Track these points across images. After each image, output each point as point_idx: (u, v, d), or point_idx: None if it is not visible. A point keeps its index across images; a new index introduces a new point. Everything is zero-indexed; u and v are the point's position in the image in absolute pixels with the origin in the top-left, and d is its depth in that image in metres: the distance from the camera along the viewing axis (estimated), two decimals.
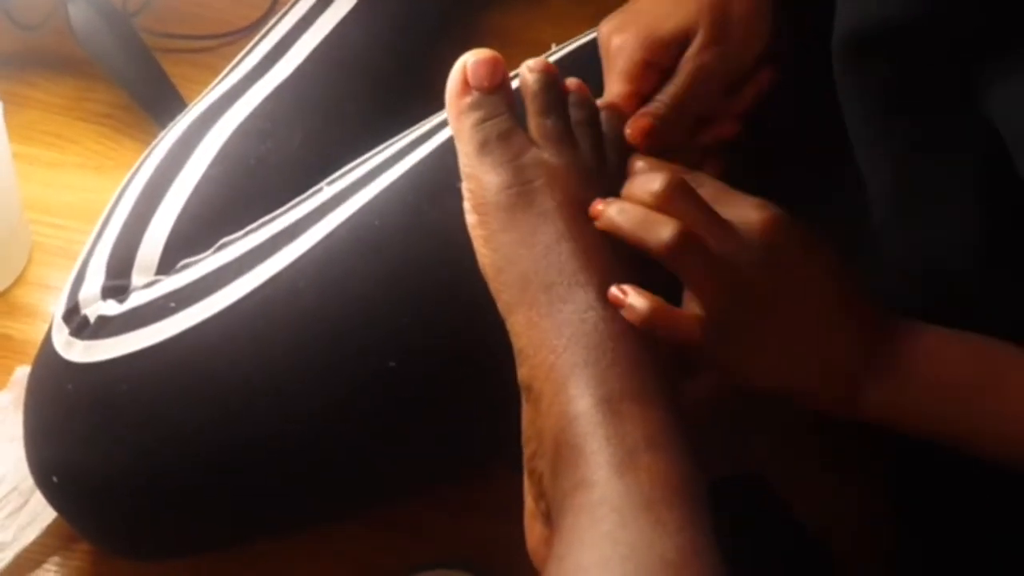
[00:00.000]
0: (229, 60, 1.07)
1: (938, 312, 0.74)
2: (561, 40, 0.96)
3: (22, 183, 1.05)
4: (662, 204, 0.69)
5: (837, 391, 0.71)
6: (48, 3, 1.19)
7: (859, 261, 0.80)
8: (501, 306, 0.70)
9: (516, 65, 0.92)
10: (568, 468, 0.61)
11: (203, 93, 1.03)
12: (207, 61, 1.21)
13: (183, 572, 0.92)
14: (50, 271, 1.07)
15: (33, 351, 0.88)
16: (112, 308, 0.85)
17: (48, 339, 0.86)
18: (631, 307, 0.66)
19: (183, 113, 1.01)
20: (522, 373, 0.68)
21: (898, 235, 0.77)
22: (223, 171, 0.94)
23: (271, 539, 0.92)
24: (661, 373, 0.66)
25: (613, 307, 0.66)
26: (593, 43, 0.88)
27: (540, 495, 0.65)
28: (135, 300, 0.85)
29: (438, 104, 0.76)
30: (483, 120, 0.72)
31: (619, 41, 0.81)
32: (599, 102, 0.78)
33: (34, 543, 0.91)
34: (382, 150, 0.88)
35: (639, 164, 0.74)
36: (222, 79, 1.04)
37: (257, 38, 1.07)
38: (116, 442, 0.81)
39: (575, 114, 0.75)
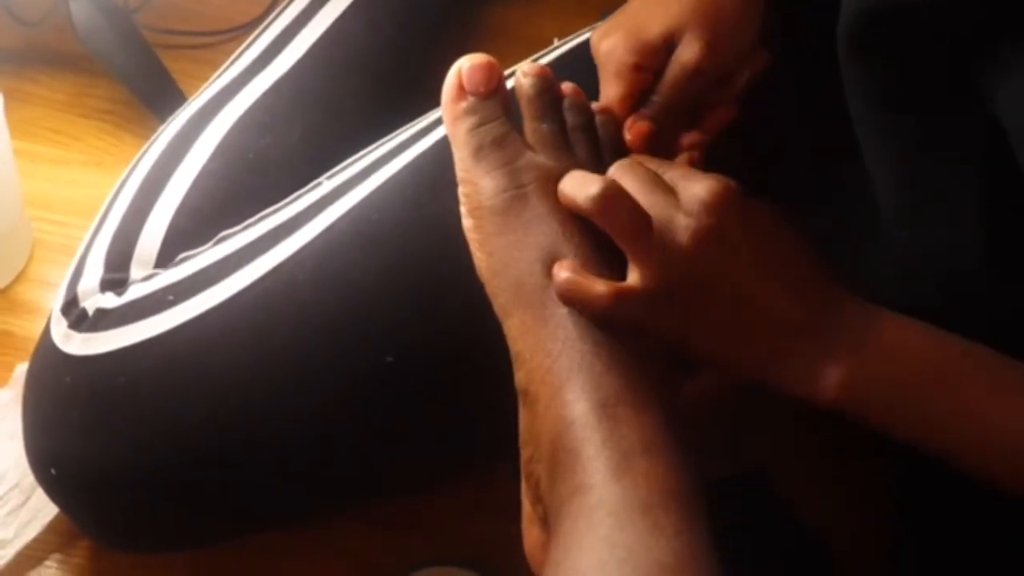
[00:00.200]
0: (230, 56, 1.07)
1: (941, 309, 0.73)
2: (562, 35, 0.96)
3: (23, 179, 1.05)
4: (612, 175, 0.70)
5: (787, 366, 0.69)
6: (49, 0, 1.19)
7: (865, 258, 0.80)
8: (497, 309, 0.70)
9: (517, 61, 0.92)
10: (565, 472, 0.61)
11: (202, 88, 1.03)
12: (208, 57, 1.21)
13: (182, 567, 0.92)
14: (51, 268, 1.07)
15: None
16: (111, 301, 0.85)
17: (47, 332, 0.86)
18: (554, 277, 0.66)
19: (182, 108, 1.01)
20: (519, 377, 0.68)
21: (901, 232, 0.77)
22: (222, 165, 0.94)
23: (270, 533, 0.92)
24: (658, 376, 0.66)
25: None
26: None
27: (537, 499, 0.65)
28: (134, 293, 0.85)
29: (437, 99, 0.76)
30: (478, 125, 0.72)
31: (608, 46, 0.81)
32: (594, 106, 0.78)
33: (35, 540, 0.91)
34: (381, 144, 0.89)
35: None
36: (221, 73, 1.04)
37: (256, 33, 1.07)
38: (114, 435, 0.81)
39: (571, 118, 0.76)
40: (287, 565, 0.93)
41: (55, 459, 0.83)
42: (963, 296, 0.74)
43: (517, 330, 0.68)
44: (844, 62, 0.73)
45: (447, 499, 0.95)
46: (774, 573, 0.83)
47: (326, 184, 0.87)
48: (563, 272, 0.66)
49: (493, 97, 0.73)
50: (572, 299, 0.66)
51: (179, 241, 0.89)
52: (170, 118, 1.01)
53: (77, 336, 0.83)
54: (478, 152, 0.71)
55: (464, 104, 0.73)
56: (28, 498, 0.91)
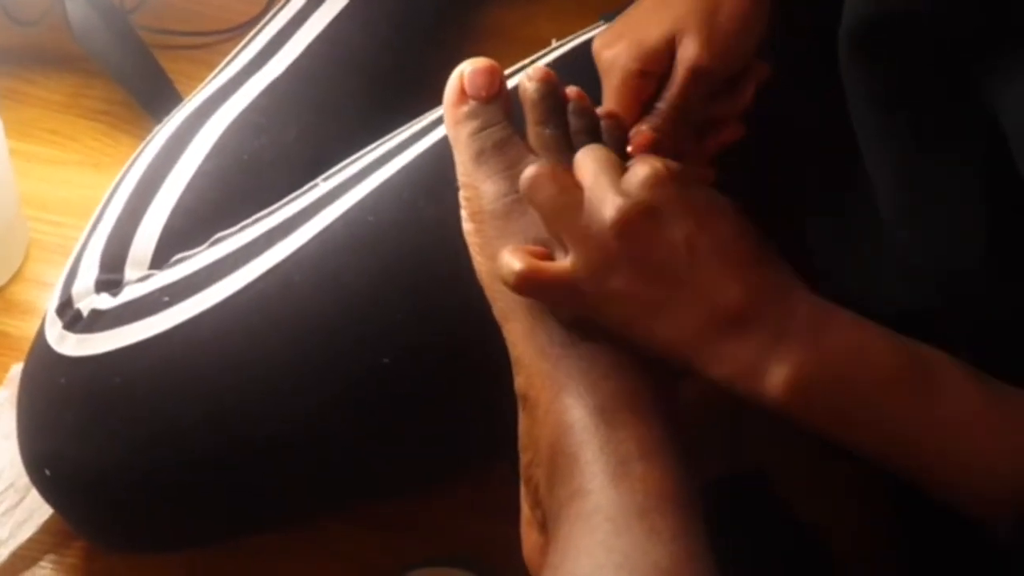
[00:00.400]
0: (226, 56, 1.07)
1: (942, 310, 0.73)
2: (560, 36, 0.96)
3: (20, 180, 1.05)
4: (575, 158, 0.69)
5: (729, 357, 0.65)
6: (46, 0, 1.19)
7: (865, 259, 0.80)
8: (497, 313, 0.69)
9: (514, 62, 0.92)
10: (563, 477, 0.61)
11: (198, 88, 1.03)
12: (204, 57, 1.21)
13: (178, 568, 0.92)
14: (47, 268, 1.07)
15: None
16: (106, 302, 0.85)
17: (41, 333, 0.86)
18: (505, 266, 0.65)
19: (178, 109, 1.01)
20: (518, 382, 0.68)
21: (902, 233, 0.77)
22: (217, 166, 0.94)
23: (266, 534, 0.91)
24: (656, 380, 0.66)
25: None
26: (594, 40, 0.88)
27: (536, 503, 0.65)
28: (129, 294, 0.85)
29: (434, 100, 0.76)
30: (480, 129, 0.72)
31: (611, 55, 0.80)
32: (599, 111, 0.78)
33: (30, 540, 0.91)
34: (378, 146, 0.89)
35: None
36: (217, 74, 1.04)
37: (252, 33, 1.07)
38: (109, 436, 0.81)
39: (574, 123, 0.75)
40: (283, 566, 0.93)
41: (50, 460, 0.83)
42: (963, 297, 0.74)
43: (517, 335, 0.68)
44: (845, 65, 0.73)
45: (444, 500, 0.95)
46: (773, 573, 0.82)
47: (322, 186, 0.87)
48: (515, 259, 0.65)
49: (495, 101, 0.73)
50: (531, 283, 0.65)
51: (174, 242, 0.89)
52: (166, 119, 1.00)
53: (72, 337, 0.83)
54: (479, 156, 0.71)
55: (466, 108, 0.73)
56: (23, 498, 0.91)
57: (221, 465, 0.81)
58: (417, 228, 0.81)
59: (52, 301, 0.87)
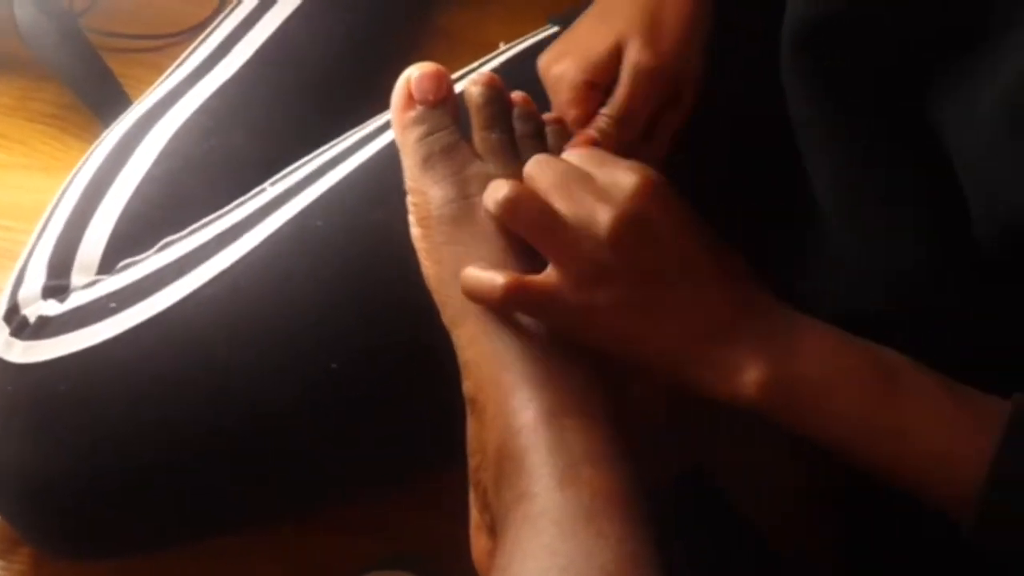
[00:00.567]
0: (176, 59, 1.06)
1: (889, 315, 0.74)
2: (510, 39, 0.96)
3: None
4: (528, 173, 0.69)
5: (708, 365, 0.66)
6: None
7: (814, 263, 0.80)
8: (445, 318, 0.70)
9: (464, 65, 0.92)
10: (511, 481, 0.61)
11: (147, 92, 1.02)
12: (155, 61, 1.20)
13: (134, 571, 0.91)
14: None
15: None
16: (52, 308, 0.84)
17: None
18: (489, 284, 0.65)
19: (127, 112, 1.00)
20: (467, 386, 0.68)
21: (844, 237, 0.77)
22: (166, 170, 0.94)
23: (218, 537, 0.91)
24: (606, 384, 0.66)
25: None
26: (542, 43, 0.88)
27: (485, 507, 0.65)
28: (76, 300, 0.84)
29: (384, 104, 0.76)
30: (427, 134, 0.72)
31: (558, 69, 0.81)
32: (545, 116, 0.78)
33: None
34: (326, 150, 0.88)
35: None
36: (166, 78, 1.03)
37: (202, 37, 1.07)
38: (56, 443, 0.80)
39: (520, 127, 0.76)
40: (244, 567, 0.93)
41: None
42: (908, 299, 0.75)
43: (466, 339, 0.68)
44: (787, 67, 0.74)
45: (403, 501, 0.95)
46: (724, 573, 0.83)
47: (270, 190, 0.86)
48: (468, 269, 0.66)
49: (442, 106, 0.73)
50: (473, 294, 0.66)
51: (122, 247, 0.89)
52: (115, 122, 1.00)
53: (19, 344, 0.82)
54: (427, 161, 0.71)
55: (413, 113, 0.73)
56: None
57: (170, 470, 0.81)
58: (365, 233, 0.81)
59: None
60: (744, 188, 0.86)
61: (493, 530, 0.63)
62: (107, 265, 0.88)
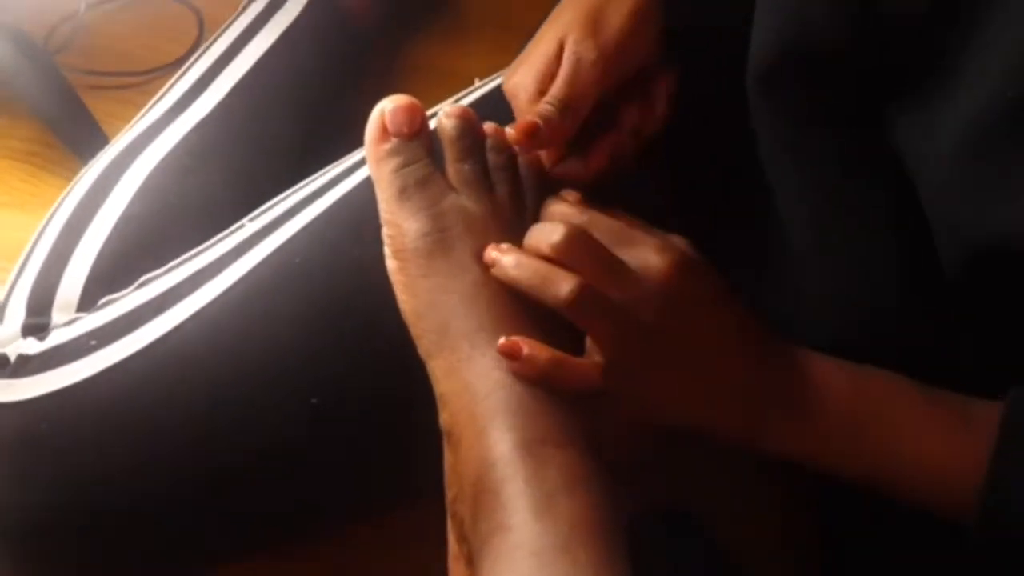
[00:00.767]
0: (153, 96, 1.06)
1: (858, 341, 0.75)
2: (485, 74, 0.96)
3: None
4: (561, 255, 0.69)
5: (738, 423, 0.72)
6: None
7: (777, 289, 0.81)
8: (422, 351, 0.70)
9: (441, 99, 0.93)
10: (487, 512, 0.62)
11: (125, 129, 1.03)
12: (132, 98, 1.21)
13: None
14: None
15: None
16: (32, 346, 0.84)
17: None
18: (529, 359, 0.66)
19: (104, 150, 1.00)
20: (443, 418, 0.68)
21: (816, 264, 0.78)
22: (144, 207, 0.94)
23: (201, 573, 0.91)
24: (581, 415, 0.67)
25: None
26: None
27: (462, 538, 0.65)
28: (55, 338, 0.84)
29: (360, 139, 0.76)
30: (402, 166, 0.73)
31: (514, 81, 0.82)
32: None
33: None
34: (303, 186, 0.89)
35: (551, 209, 0.75)
36: (143, 115, 1.03)
37: (179, 74, 1.07)
38: (36, 483, 0.80)
39: (493, 159, 0.76)
40: None
41: None
42: (880, 330, 0.76)
43: (442, 371, 0.69)
44: (755, 98, 0.75)
45: (381, 533, 0.95)
46: None
47: (248, 227, 0.86)
48: (539, 352, 0.67)
49: (416, 138, 0.74)
50: (555, 379, 0.67)
51: (101, 284, 0.89)
52: (92, 160, 1.00)
53: None
54: (402, 194, 0.72)
55: (387, 145, 0.73)
56: None
57: (150, 508, 0.80)
58: (343, 268, 0.81)
59: None
60: (713, 219, 0.87)
61: (471, 561, 0.63)
62: (87, 303, 0.88)
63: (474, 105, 0.89)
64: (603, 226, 0.73)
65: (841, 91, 0.69)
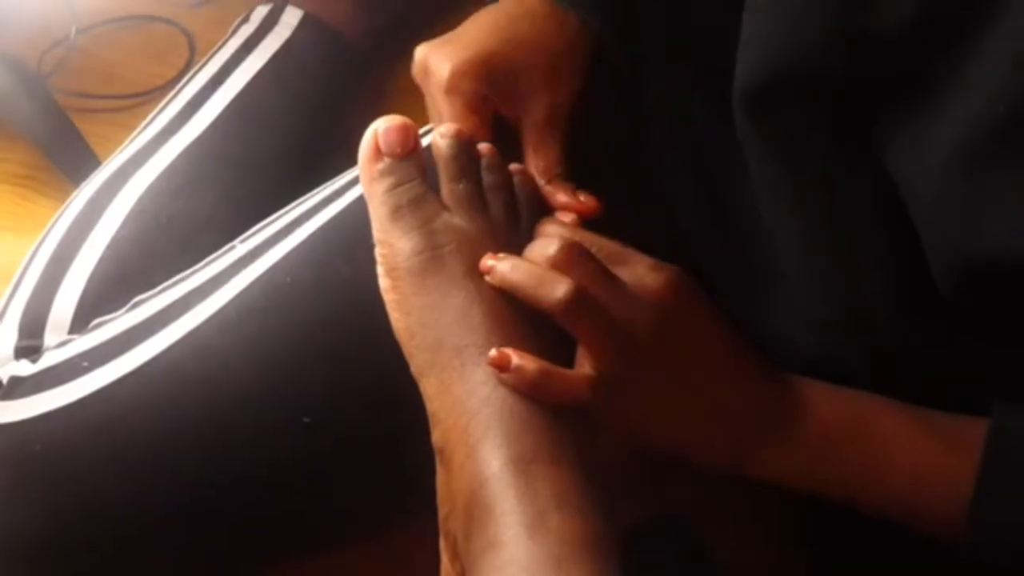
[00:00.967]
0: (144, 119, 1.07)
1: (851, 357, 0.75)
2: None
3: None
4: (558, 265, 0.70)
5: (728, 448, 0.72)
6: None
7: (771, 307, 0.81)
8: (414, 370, 0.70)
9: (429, 121, 0.93)
10: (479, 529, 0.62)
11: (116, 151, 1.03)
12: (123, 120, 1.21)
13: None
14: None
15: None
16: (25, 368, 0.84)
17: None
18: (518, 369, 0.66)
19: (96, 172, 1.01)
20: (435, 436, 0.68)
21: (808, 282, 0.78)
22: (136, 229, 0.94)
23: None
24: (574, 431, 0.67)
25: None
26: None
27: (455, 556, 0.65)
28: (48, 360, 0.84)
29: (351, 160, 0.76)
30: (395, 186, 0.73)
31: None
32: (512, 167, 0.79)
33: None
34: (294, 207, 0.89)
35: (547, 227, 0.76)
36: (135, 137, 1.04)
37: (170, 96, 1.08)
38: (30, 504, 0.80)
39: (487, 178, 0.77)
40: None
41: None
42: (870, 346, 0.76)
43: (434, 389, 0.69)
44: (741, 120, 0.75)
45: (372, 553, 0.95)
46: None
47: (239, 248, 0.87)
48: (528, 363, 0.67)
49: (409, 158, 0.74)
50: (544, 390, 0.67)
51: (94, 306, 0.89)
52: (84, 182, 1.00)
53: None
54: (395, 213, 0.72)
55: (381, 165, 0.74)
56: None
57: (142, 530, 0.80)
58: (334, 288, 0.81)
59: None
60: (704, 238, 0.87)
61: None
62: (79, 324, 0.88)
63: None
64: (598, 244, 0.73)
65: (830, 110, 0.69)
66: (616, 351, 0.69)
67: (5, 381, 0.84)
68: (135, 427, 0.80)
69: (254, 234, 0.88)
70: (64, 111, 1.17)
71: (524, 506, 0.61)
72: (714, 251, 0.83)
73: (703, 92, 0.84)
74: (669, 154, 0.85)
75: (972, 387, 0.71)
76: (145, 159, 1.00)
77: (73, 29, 1.26)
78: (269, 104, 1.07)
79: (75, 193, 0.99)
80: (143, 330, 0.83)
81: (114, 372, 0.81)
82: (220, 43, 1.15)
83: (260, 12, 1.18)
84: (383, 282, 0.72)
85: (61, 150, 1.16)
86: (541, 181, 0.79)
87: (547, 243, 0.71)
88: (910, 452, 0.70)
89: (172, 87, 1.10)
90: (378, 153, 0.74)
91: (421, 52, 0.84)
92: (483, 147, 0.78)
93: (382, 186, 0.73)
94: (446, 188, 0.75)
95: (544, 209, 0.79)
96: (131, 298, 0.88)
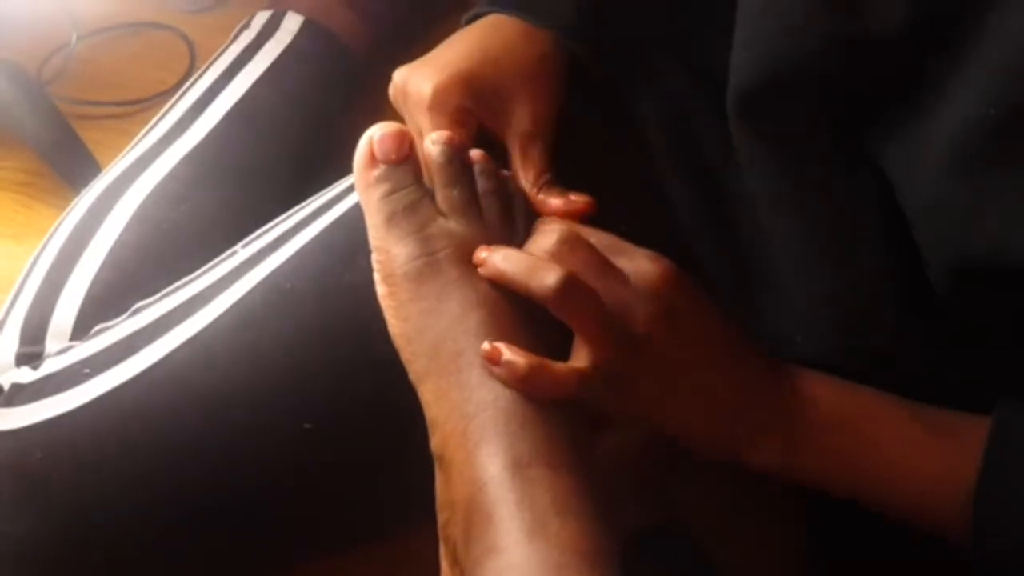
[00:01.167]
0: (145, 125, 1.07)
1: (849, 357, 0.75)
2: None
3: None
4: (556, 256, 0.70)
5: (728, 437, 0.72)
6: None
7: (768, 307, 0.81)
8: (412, 375, 0.70)
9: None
10: (479, 534, 0.62)
11: (117, 158, 1.03)
12: (123, 127, 1.21)
13: None
14: None
15: None
16: (26, 375, 0.84)
17: None
18: (508, 363, 0.66)
19: (97, 179, 1.01)
20: (434, 442, 0.68)
21: (806, 283, 0.78)
22: (137, 235, 0.95)
23: None
24: (573, 435, 0.67)
25: None
26: None
27: (455, 562, 0.65)
28: (49, 367, 0.84)
29: (351, 166, 0.76)
30: (390, 192, 0.73)
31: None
32: (506, 172, 0.80)
33: None
34: (295, 213, 0.89)
35: (545, 224, 0.76)
36: (136, 144, 1.04)
37: (171, 103, 1.08)
38: (32, 511, 0.80)
39: (481, 184, 0.77)
40: None
41: None
42: (867, 347, 0.76)
43: (432, 395, 0.69)
44: (737, 123, 0.75)
45: (372, 560, 0.95)
46: None
47: (241, 253, 0.87)
48: (519, 357, 0.67)
49: (404, 164, 0.74)
50: (534, 384, 0.67)
51: (95, 313, 0.89)
52: (85, 189, 1.01)
53: None
54: (391, 219, 0.72)
55: (376, 171, 0.74)
56: None
57: (143, 537, 0.80)
58: (334, 294, 0.81)
59: None
60: (701, 240, 0.87)
61: None
62: (80, 331, 0.88)
63: None
64: (596, 235, 0.74)
65: (826, 112, 0.70)
66: (613, 341, 0.69)
67: (6, 388, 0.84)
68: (136, 433, 0.80)
69: (255, 239, 0.88)
70: (65, 118, 1.18)
71: (523, 511, 0.61)
72: (712, 253, 0.83)
73: (697, 95, 0.84)
74: (663, 156, 0.85)
75: (971, 388, 0.71)
76: (146, 165, 1.00)
77: (74, 36, 1.26)
78: (269, 110, 1.08)
79: (76, 200, 1.00)
80: (144, 336, 0.83)
81: (115, 379, 0.81)
82: (221, 49, 1.15)
83: (261, 18, 1.18)
84: (380, 288, 0.72)
85: (62, 157, 1.16)
86: (532, 191, 0.79)
87: (546, 236, 0.72)
88: (915, 447, 0.70)
89: (173, 94, 1.10)
90: (373, 159, 0.74)
91: (399, 75, 0.84)
92: (475, 153, 0.78)
93: (377, 192, 0.73)
94: (440, 194, 0.75)
95: (537, 214, 0.79)
96: (132, 304, 0.88)
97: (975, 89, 0.60)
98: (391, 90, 0.86)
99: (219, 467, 0.80)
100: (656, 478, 0.87)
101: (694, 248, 0.83)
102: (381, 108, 0.98)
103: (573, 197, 0.78)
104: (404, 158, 0.74)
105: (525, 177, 0.80)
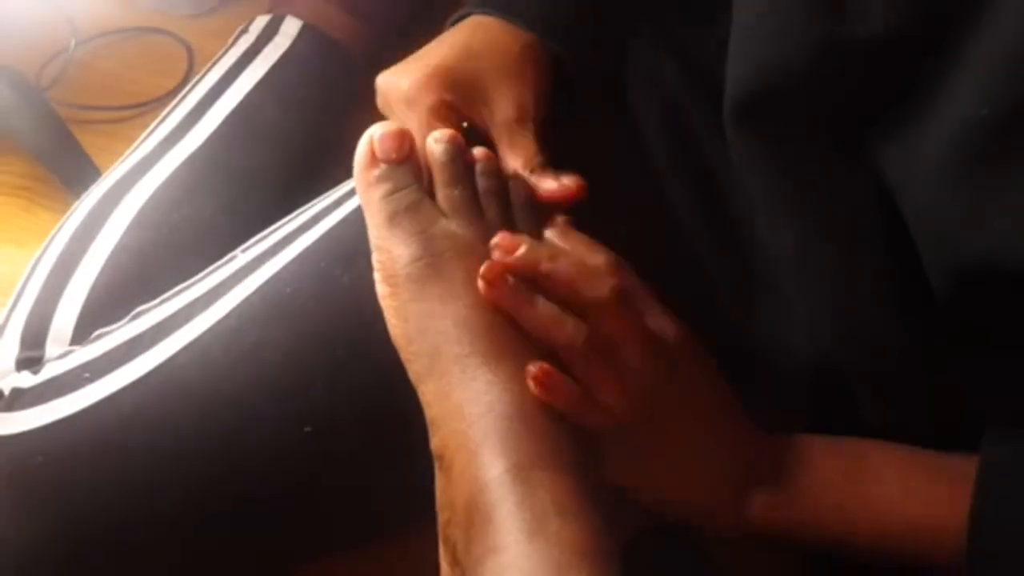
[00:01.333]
0: (144, 130, 1.07)
1: (849, 363, 0.75)
2: None
3: None
4: (605, 309, 0.70)
5: (723, 505, 0.74)
6: None
7: (767, 314, 0.81)
8: (412, 376, 0.70)
9: None
10: (479, 535, 0.62)
11: (117, 163, 1.03)
12: (123, 132, 1.21)
13: None
14: None
15: None
16: (26, 380, 0.84)
17: None
18: (558, 387, 0.67)
19: (97, 183, 1.01)
20: (434, 442, 0.68)
21: (805, 289, 0.78)
22: (137, 240, 0.95)
23: None
24: (574, 438, 0.68)
25: (523, 376, 0.68)
26: None
27: (455, 562, 0.65)
28: (50, 371, 0.84)
29: (351, 170, 0.76)
30: (391, 192, 0.73)
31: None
32: (508, 170, 0.80)
33: None
34: (295, 217, 0.89)
35: (595, 256, 0.75)
36: (135, 148, 1.04)
37: (170, 107, 1.08)
38: (32, 515, 0.80)
39: (483, 183, 0.76)
40: None
41: None
42: (868, 353, 0.76)
43: (433, 395, 0.69)
44: (733, 133, 0.75)
45: (371, 561, 0.95)
46: None
47: (241, 257, 0.87)
48: (568, 383, 0.68)
49: (405, 164, 0.74)
50: (576, 412, 0.68)
51: (95, 317, 0.89)
52: (85, 194, 1.01)
53: None
54: (392, 219, 0.72)
55: (377, 171, 0.74)
56: None
57: (144, 541, 0.80)
58: (334, 298, 0.81)
59: None
60: (700, 245, 0.87)
61: None
62: (80, 335, 0.88)
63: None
64: (635, 285, 0.74)
65: (821, 118, 0.70)
66: (630, 402, 0.70)
67: (7, 393, 0.84)
68: (137, 438, 0.80)
69: (255, 244, 0.88)
70: (64, 123, 1.18)
71: (524, 512, 0.61)
72: (712, 254, 0.83)
73: (697, 95, 0.84)
74: (663, 157, 0.85)
75: (971, 394, 0.71)
76: (145, 170, 1.00)
77: (72, 41, 1.26)
78: (269, 114, 1.08)
79: (76, 204, 1.00)
80: (145, 341, 0.83)
81: (116, 383, 0.81)
82: (219, 54, 1.16)
83: (259, 23, 1.18)
84: (380, 288, 0.72)
85: (61, 162, 1.16)
86: (524, 172, 0.79)
87: (596, 283, 0.71)
88: (903, 502, 0.71)
89: (172, 98, 1.11)
90: (374, 159, 0.74)
91: (381, 79, 0.85)
92: (478, 152, 0.78)
93: (378, 192, 0.73)
94: (442, 193, 0.75)
95: (539, 214, 0.79)
96: (132, 309, 0.88)
97: (973, 89, 0.60)
98: (378, 98, 0.86)
99: (220, 471, 0.80)
100: None
101: (694, 248, 0.83)
102: (380, 112, 0.98)
103: (565, 180, 0.78)
104: (405, 157, 0.74)
105: (515, 163, 0.80)
